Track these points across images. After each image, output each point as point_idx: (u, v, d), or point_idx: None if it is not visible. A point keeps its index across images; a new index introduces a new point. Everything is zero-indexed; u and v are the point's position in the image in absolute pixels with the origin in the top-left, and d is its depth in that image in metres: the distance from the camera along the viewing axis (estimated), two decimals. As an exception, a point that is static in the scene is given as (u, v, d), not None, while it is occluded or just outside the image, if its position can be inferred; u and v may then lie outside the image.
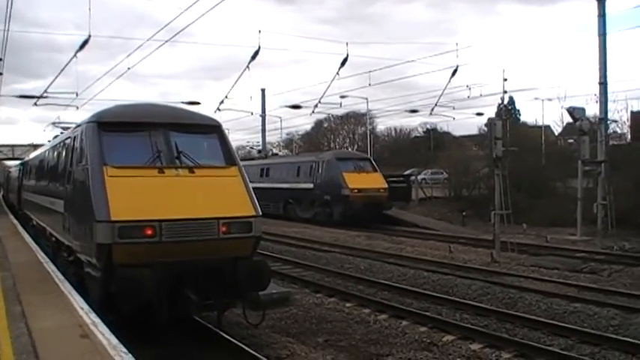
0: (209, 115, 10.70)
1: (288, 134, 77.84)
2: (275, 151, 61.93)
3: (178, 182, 8.72)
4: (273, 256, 18.44)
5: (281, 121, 57.86)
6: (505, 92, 46.32)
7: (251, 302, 9.71)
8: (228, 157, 9.66)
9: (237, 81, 32.07)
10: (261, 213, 9.09)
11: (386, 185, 30.55)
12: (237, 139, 78.12)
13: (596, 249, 19.94)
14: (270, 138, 68.39)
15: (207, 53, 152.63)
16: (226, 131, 10.49)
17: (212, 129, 9.93)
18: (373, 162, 32.56)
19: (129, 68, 24.09)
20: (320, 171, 31.18)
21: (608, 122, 28.04)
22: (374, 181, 30.39)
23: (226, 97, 32.52)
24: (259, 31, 36.72)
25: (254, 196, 9.21)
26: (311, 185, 31.70)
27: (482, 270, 16.02)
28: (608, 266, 16.48)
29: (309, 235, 25.19)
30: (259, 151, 49.18)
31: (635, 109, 46.63)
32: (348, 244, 22.38)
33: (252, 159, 44.43)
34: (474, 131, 69.33)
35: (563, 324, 10.47)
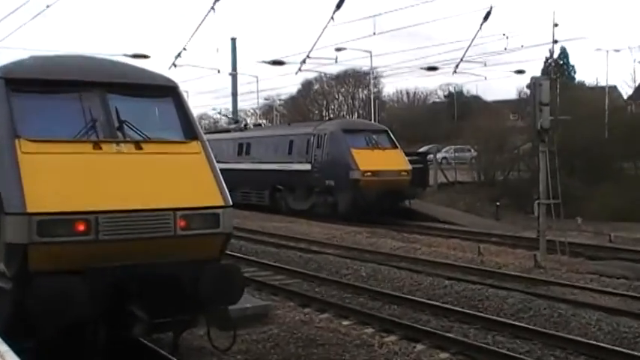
0: (161, 74, 10.55)
1: (266, 99, 77.86)
2: (250, 120, 61.83)
3: (120, 161, 8.60)
4: (248, 259, 18.45)
5: (257, 81, 57.91)
6: (555, 42, 46.25)
7: (218, 320, 9.62)
8: (188, 128, 9.54)
9: (198, 27, 31.74)
10: (231, 202, 9.00)
11: (409, 166, 30.34)
12: (199, 104, 77.91)
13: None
14: (244, 104, 68.28)
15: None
16: (185, 94, 10.35)
17: (166, 91, 9.79)
18: (392, 135, 32.14)
19: (48, 6, 23.84)
20: (320, 147, 30.76)
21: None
22: (393, 160, 30.02)
23: (184, 49, 32.38)
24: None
25: (222, 180, 9.12)
26: (308, 166, 31.23)
27: (523, 278, 16.07)
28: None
29: (295, 232, 25.28)
30: (236, 121, 49.06)
31: None
32: (345, 242, 22.46)
33: (226, 131, 44.09)
34: (512, 95, 69.64)
35: (633, 352, 10.43)
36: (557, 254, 18.67)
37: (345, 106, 79.71)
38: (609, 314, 12.50)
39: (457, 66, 33.65)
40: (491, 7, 28.95)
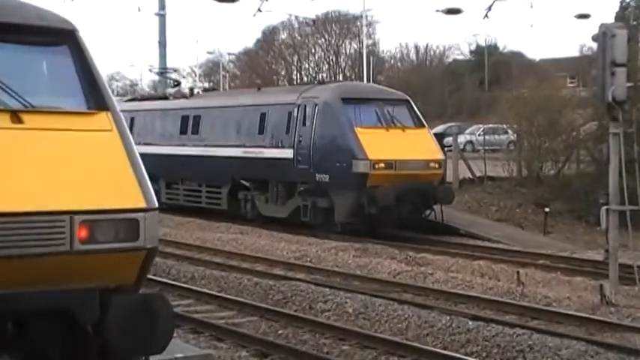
0: (54, 12, 10.47)
1: (210, 52, 77.92)
2: (187, 84, 61.70)
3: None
4: (181, 287, 18.52)
5: (198, 30, 57.82)
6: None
7: (134, 378, 9.65)
8: (93, 92, 9.50)
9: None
10: (156, 204, 8.93)
11: (442, 155, 30.03)
12: (110, 58, 77.49)
13: None
14: (176, 59, 68.03)
15: None
16: (86, 43, 10.25)
17: (60, 37, 9.73)
18: (415, 107, 31.42)
19: None
20: (309, 125, 29.76)
21: None
22: (419, 146, 29.15)
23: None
24: None
25: (144, 171, 9.06)
26: (289, 153, 30.36)
27: (584, 319, 16.13)
28: None
29: (251, 247, 25.42)
30: (176, 84, 48.77)
31: None
32: (324, 264, 22.61)
33: (159, 98, 42.66)
34: (572, 52, 69.70)
35: None
36: (634, 285, 18.76)
37: (326, 65, 79.93)
38: None
39: (490, 8, 33.70)
40: None
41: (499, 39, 71.34)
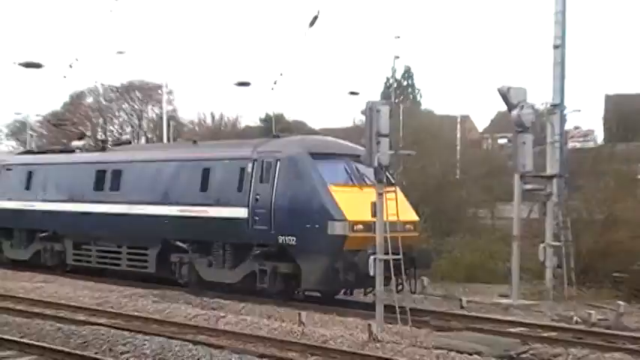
0: None
1: (17, 114, 76.23)
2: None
3: None
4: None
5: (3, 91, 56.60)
6: (397, 58, 47.93)
7: None
8: None
9: None
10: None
11: (416, 216, 25.15)
12: None
13: (543, 321, 20.87)
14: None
15: None
16: None
17: None
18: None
19: None
20: (268, 181, 24.76)
21: (566, 112, 29.17)
22: (394, 206, 22.56)
23: None
24: None
25: None
26: (242, 212, 25.33)
27: (354, 354, 16.33)
28: (564, 351, 17.25)
29: (54, 295, 24.84)
30: (81, 136, 43.53)
31: (612, 92, 49.92)
32: (124, 309, 22.25)
33: (63, 151, 36.57)
34: (346, 123, 70.95)
35: None
36: (397, 324, 19.12)
37: (129, 127, 78.94)
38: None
39: (276, 82, 33.68)
40: (318, 13, 29.21)
41: (285, 109, 71.78)
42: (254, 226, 24.67)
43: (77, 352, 16.51)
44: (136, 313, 21.49)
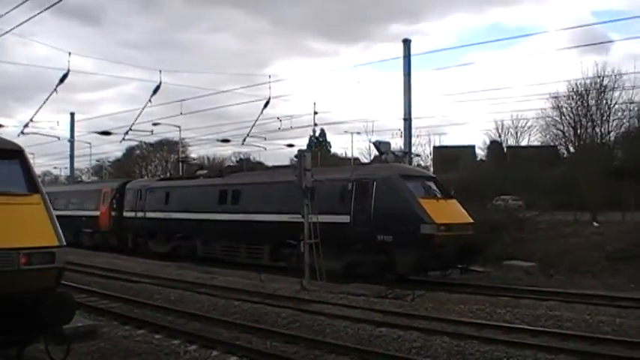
0: (10, 140, 10.17)
1: (98, 161, 74.85)
2: (86, 177, 58.62)
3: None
4: (80, 288, 17.52)
5: (91, 147, 55.69)
6: (316, 125, 48.32)
7: (54, 337, 9.19)
8: (31, 184, 9.27)
9: (43, 104, 30.51)
10: (65, 243, 8.79)
11: (472, 220, 21.66)
12: (41, 163, 73.18)
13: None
14: (79, 164, 65.10)
15: (10, 72, 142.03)
16: (30, 157, 9.98)
17: (13, 154, 9.44)
18: (440, 182, 23.35)
19: None
20: (367, 195, 21.26)
21: (412, 156, 30.23)
22: (458, 212, 21.54)
23: (31, 120, 31.00)
24: (69, 54, 34.35)
25: (57, 224, 8.93)
26: (345, 218, 21.72)
27: (292, 298, 16.34)
28: (411, 291, 17.29)
29: (119, 266, 24.29)
30: (200, 167, 42.39)
31: (437, 143, 51.84)
32: (158, 274, 21.77)
33: (189, 178, 32.38)
34: (287, 161, 70.91)
35: (369, 348, 10.98)
36: (317, 280, 19.13)
37: (160, 167, 77.78)
38: (353, 322, 13.07)
39: (244, 139, 34.09)
40: (269, 98, 30.39)
41: (251, 155, 70.88)
42: (355, 229, 21.10)
43: (133, 298, 16.51)
44: (165, 276, 21.29)
